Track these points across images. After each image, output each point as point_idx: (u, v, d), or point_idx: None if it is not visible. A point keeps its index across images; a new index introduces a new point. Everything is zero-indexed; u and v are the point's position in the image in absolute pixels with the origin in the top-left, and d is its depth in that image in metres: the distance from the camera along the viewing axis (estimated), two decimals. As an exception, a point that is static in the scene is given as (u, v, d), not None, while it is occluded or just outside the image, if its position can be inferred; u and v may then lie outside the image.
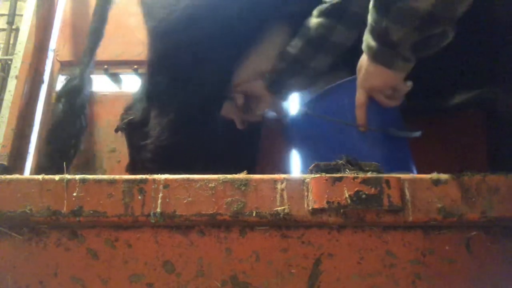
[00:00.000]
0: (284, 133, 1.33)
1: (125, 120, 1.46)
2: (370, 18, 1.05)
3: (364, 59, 1.12)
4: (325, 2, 1.31)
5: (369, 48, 1.08)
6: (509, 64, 1.17)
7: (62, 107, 1.45)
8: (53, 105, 1.52)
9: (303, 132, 1.26)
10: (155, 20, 1.41)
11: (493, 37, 1.15)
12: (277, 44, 1.40)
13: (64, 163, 1.38)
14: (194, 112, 1.35)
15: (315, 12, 1.33)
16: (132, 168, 1.50)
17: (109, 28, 1.93)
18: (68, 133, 1.46)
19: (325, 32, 1.24)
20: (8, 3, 2.60)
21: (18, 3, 2.59)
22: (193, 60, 1.34)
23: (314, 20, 1.32)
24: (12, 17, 2.57)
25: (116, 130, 1.51)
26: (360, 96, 1.14)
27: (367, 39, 1.08)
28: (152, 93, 1.42)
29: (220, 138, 1.44)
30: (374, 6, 1.02)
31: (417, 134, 1.20)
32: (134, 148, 1.43)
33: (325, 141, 1.19)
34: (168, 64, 1.38)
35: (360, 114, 1.14)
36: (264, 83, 1.40)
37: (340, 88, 1.19)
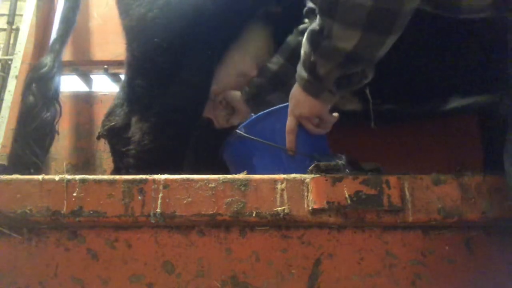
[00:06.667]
0: (222, 152, 1.37)
1: (106, 127, 1.41)
2: (302, 51, 1.12)
3: (295, 89, 1.18)
4: (304, 23, 1.34)
5: (301, 78, 1.14)
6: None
7: (33, 94, 1.42)
8: (23, 92, 1.48)
9: (239, 152, 1.31)
10: (132, 19, 1.37)
11: (496, 43, 1.16)
12: (256, 44, 1.40)
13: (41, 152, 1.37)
14: (176, 116, 1.33)
15: (294, 31, 1.35)
16: (116, 174, 1.47)
17: (109, 28, 1.93)
18: (42, 121, 1.42)
19: None
20: (8, 3, 2.60)
21: (18, 3, 2.59)
22: (173, 62, 1.32)
23: (294, 38, 1.35)
24: (12, 17, 2.57)
25: (98, 137, 1.47)
26: (290, 123, 1.21)
27: (300, 70, 1.14)
28: (132, 97, 1.39)
29: (203, 139, 1.44)
30: (307, 40, 1.09)
31: (341, 160, 1.28)
32: (117, 154, 1.40)
33: (258, 161, 1.26)
34: (146, 66, 1.35)
35: (290, 139, 1.21)
36: (242, 97, 1.41)
37: (274, 114, 1.28)
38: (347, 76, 1.08)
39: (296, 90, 1.18)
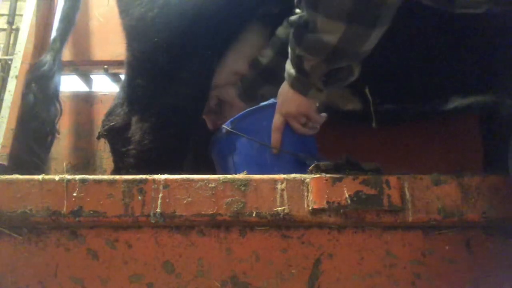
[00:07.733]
0: (209, 147, 1.39)
1: (106, 127, 1.41)
2: (289, 47, 1.11)
3: (283, 86, 1.18)
4: (295, 14, 1.33)
5: (289, 75, 1.14)
6: None
7: (34, 93, 1.43)
8: (24, 91, 1.48)
9: (224, 149, 1.31)
10: (132, 18, 1.38)
11: (497, 42, 1.16)
12: (252, 44, 1.40)
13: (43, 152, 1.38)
14: (176, 115, 1.33)
15: (284, 23, 1.35)
16: (116, 174, 1.47)
17: (109, 28, 1.93)
18: (43, 120, 1.43)
19: None
20: (8, 3, 2.60)
21: (18, 3, 2.59)
22: (173, 62, 1.33)
23: (284, 31, 1.34)
24: (12, 17, 2.57)
25: (98, 137, 1.47)
26: (276, 120, 1.20)
27: (288, 67, 1.14)
28: (132, 97, 1.39)
29: (203, 139, 1.44)
30: (292, 35, 1.08)
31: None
32: (117, 154, 1.40)
33: (242, 158, 1.25)
34: (147, 66, 1.35)
35: (275, 137, 1.20)
36: (235, 91, 1.41)
37: (261, 110, 1.27)
38: (333, 72, 1.07)
39: (284, 88, 1.17)
